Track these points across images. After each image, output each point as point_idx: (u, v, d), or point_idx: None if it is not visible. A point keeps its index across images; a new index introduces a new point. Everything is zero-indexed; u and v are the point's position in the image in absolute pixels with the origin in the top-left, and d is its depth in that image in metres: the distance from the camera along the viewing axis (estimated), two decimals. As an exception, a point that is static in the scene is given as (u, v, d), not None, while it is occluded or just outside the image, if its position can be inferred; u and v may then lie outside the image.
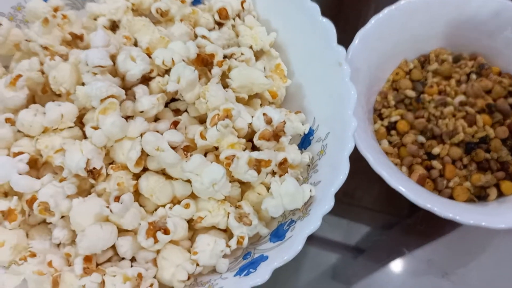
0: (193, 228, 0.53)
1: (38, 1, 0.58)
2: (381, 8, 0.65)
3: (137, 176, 0.52)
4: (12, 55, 0.60)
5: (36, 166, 0.53)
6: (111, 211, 0.46)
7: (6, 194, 0.53)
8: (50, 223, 0.50)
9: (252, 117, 0.56)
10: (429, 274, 0.65)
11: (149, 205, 0.52)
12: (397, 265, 0.66)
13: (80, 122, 0.54)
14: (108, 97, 0.49)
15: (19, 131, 0.53)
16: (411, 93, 0.66)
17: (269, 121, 0.54)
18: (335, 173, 0.51)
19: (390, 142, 0.65)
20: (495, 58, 0.69)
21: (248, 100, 0.59)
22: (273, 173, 0.54)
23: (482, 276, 0.63)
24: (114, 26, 0.62)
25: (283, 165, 0.53)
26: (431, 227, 0.67)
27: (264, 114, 0.55)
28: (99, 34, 0.52)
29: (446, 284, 0.63)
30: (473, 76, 0.66)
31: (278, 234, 0.51)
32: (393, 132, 0.65)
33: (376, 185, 0.70)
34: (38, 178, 0.53)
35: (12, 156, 0.51)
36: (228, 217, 0.52)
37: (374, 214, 0.71)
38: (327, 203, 0.49)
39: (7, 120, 0.52)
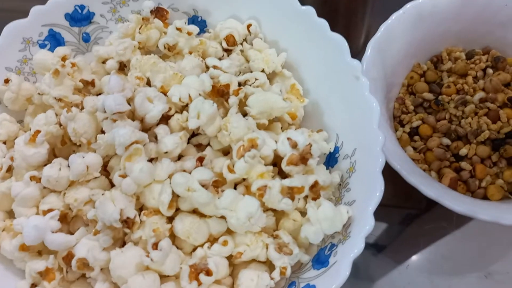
0: (232, 264, 0.52)
1: (45, 52, 0.58)
2: (376, 14, 0.64)
3: (170, 219, 0.51)
4: (25, 110, 0.59)
5: (66, 220, 0.52)
6: (151, 260, 0.45)
7: (40, 253, 0.51)
8: (89, 277, 0.49)
9: (276, 142, 0.55)
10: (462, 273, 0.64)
11: (186, 246, 0.51)
12: (419, 262, 0.65)
13: (104, 169, 0.53)
14: (132, 143, 0.48)
15: (44, 187, 0.52)
16: (429, 96, 0.65)
17: (294, 145, 0.53)
18: (370, 191, 0.50)
19: (414, 148, 0.64)
20: (507, 48, 0.68)
21: (268, 125, 0.58)
22: (305, 197, 0.53)
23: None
24: (122, 65, 0.61)
25: (315, 188, 0.52)
26: (450, 221, 0.67)
27: (288, 138, 0.54)
28: (113, 79, 0.51)
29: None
30: (490, 71, 0.66)
31: (320, 260, 0.50)
32: (416, 137, 0.64)
33: (390, 181, 0.69)
34: (70, 232, 0.52)
35: (42, 214, 0.50)
36: (267, 249, 0.51)
37: (391, 210, 0.70)
38: (368, 224, 0.47)
39: (32, 178, 0.51)
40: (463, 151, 0.61)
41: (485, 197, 0.61)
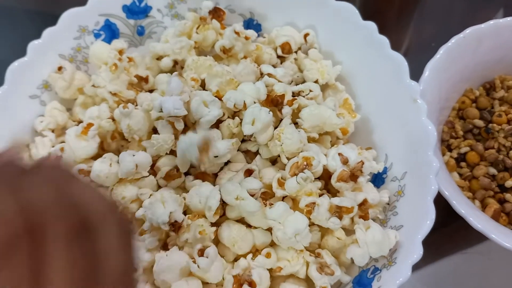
0: (271, 275, 0.52)
1: (102, 44, 0.57)
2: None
3: (213, 223, 0.51)
4: (75, 99, 0.59)
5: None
6: (198, 266, 0.45)
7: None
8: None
9: (325, 155, 0.55)
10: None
11: (229, 254, 0.50)
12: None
13: (151, 168, 0.53)
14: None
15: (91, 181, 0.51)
16: (480, 123, 0.64)
17: (345, 161, 0.53)
18: (419, 218, 0.49)
19: (460, 175, 0.63)
20: (561, 82, 0.67)
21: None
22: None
23: None
24: (174, 63, 0.61)
25: (363, 206, 0.52)
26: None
27: (339, 154, 0.53)
28: (174, 81, 0.51)
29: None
30: (542, 104, 0.64)
31: (362, 283, 0.50)
32: (463, 163, 0.63)
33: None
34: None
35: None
36: (307, 266, 0.50)
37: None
38: (416, 252, 0.47)
39: (80, 171, 0.51)
40: (509, 183, 0.60)
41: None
